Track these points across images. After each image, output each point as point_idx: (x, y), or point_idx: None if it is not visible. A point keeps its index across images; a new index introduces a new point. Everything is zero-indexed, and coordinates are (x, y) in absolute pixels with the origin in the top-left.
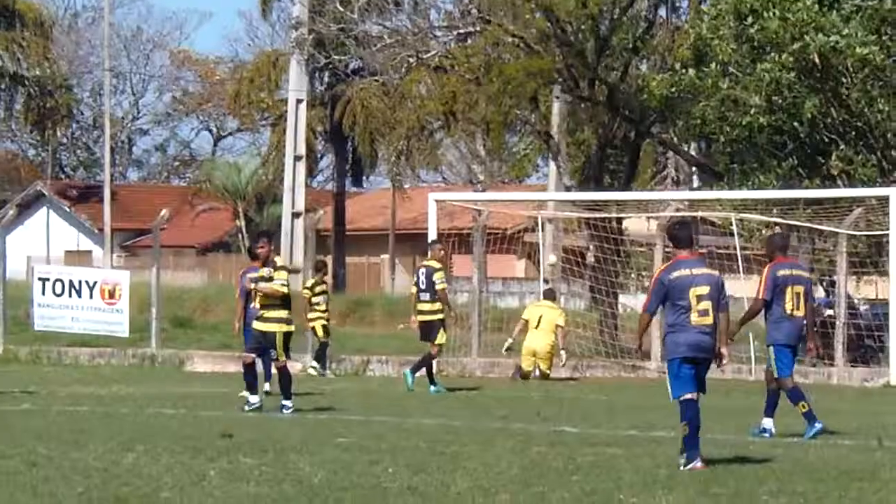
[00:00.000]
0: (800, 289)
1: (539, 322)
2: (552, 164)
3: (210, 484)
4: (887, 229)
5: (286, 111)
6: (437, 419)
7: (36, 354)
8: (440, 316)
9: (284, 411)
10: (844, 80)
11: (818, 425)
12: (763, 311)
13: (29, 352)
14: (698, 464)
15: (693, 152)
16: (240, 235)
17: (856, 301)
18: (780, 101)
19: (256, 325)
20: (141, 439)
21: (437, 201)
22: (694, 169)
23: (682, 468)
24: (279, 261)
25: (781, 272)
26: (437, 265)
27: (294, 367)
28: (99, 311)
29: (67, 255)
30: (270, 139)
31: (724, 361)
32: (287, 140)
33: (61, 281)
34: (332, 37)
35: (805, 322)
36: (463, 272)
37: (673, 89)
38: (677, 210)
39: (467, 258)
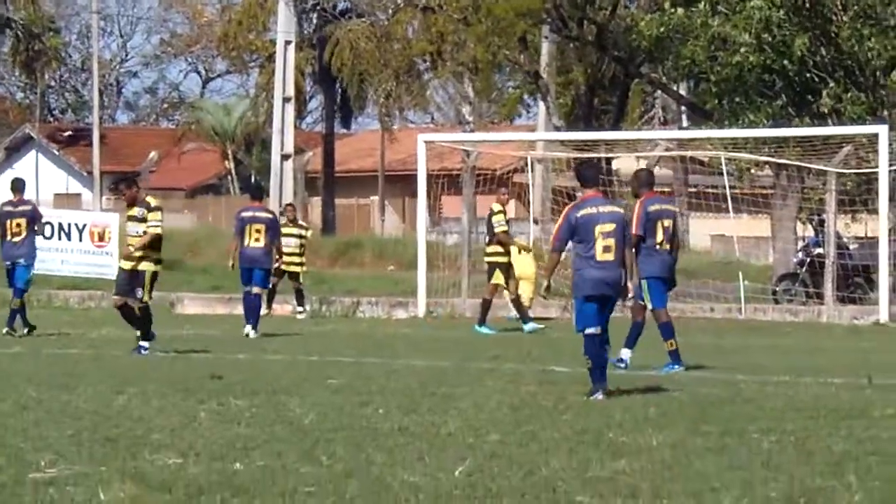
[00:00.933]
0: (668, 223)
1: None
2: (541, 105)
3: (201, 425)
4: (877, 167)
5: (275, 53)
6: (428, 360)
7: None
8: (495, 258)
9: (142, 352)
10: (834, 17)
11: (679, 367)
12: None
13: None
14: (600, 395)
15: (682, 92)
16: (229, 177)
17: (845, 240)
18: (769, 39)
19: (124, 264)
20: (131, 381)
21: (426, 142)
22: (683, 108)
23: (585, 398)
24: (153, 201)
25: (652, 207)
26: (497, 208)
27: (285, 309)
28: (88, 253)
29: (57, 197)
30: (259, 81)
31: (630, 296)
32: (275, 82)
33: (51, 224)
34: None
35: (675, 255)
36: (452, 213)
37: (662, 29)
38: (667, 149)
39: (457, 199)
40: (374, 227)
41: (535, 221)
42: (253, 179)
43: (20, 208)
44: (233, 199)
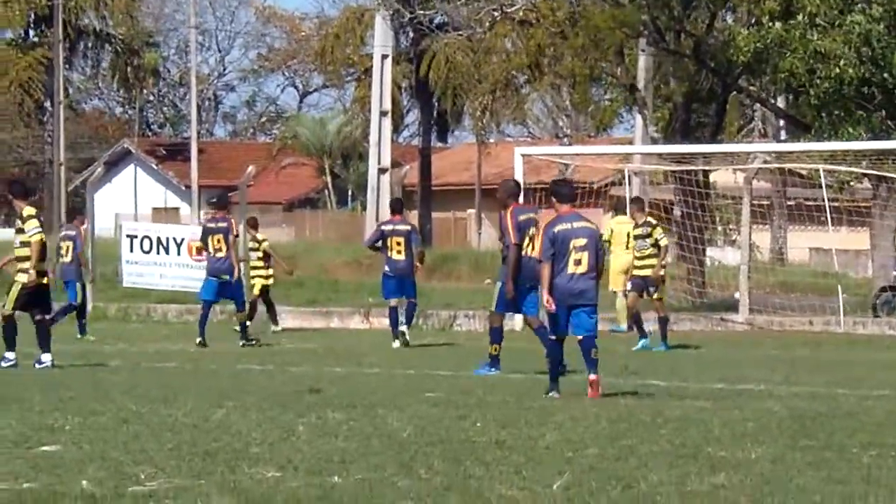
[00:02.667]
0: (533, 230)
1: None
2: (638, 118)
3: (299, 439)
4: None
5: (371, 67)
6: (525, 374)
7: (125, 311)
8: (643, 272)
9: (37, 366)
10: None
11: (494, 370)
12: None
13: (118, 309)
14: (556, 394)
15: (781, 104)
16: (326, 192)
17: None
18: (868, 52)
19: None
20: (230, 395)
21: (523, 155)
22: (781, 121)
23: (544, 395)
24: (27, 211)
25: (522, 217)
26: (653, 221)
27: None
28: (186, 267)
29: (155, 212)
30: (355, 95)
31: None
32: (372, 96)
33: (149, 238)
34: None
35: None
36: None
37: (760, 43)
38: (765, 162)
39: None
40: (470, 241)
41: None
42: (390, 193)
43: (220, 224)
44: (329, 213)
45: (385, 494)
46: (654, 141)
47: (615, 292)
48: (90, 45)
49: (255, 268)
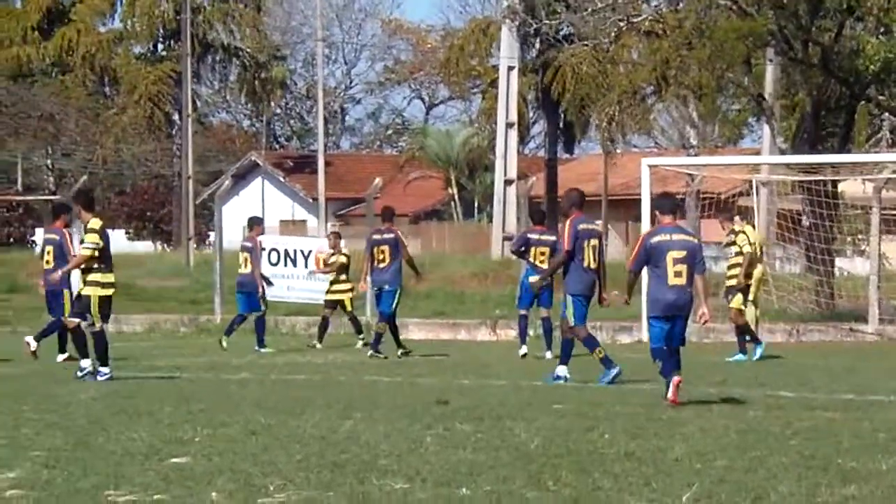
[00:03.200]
0: (595, 242)
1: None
2: (766, 128)
3: (427, 451)
4: None
5: (497, 78)
6: (654, 385)
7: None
8: (730, 282)
9: (99, 377)
10: None
11: (614, 370)
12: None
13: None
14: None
15: None
16: (452, 203)
17: None
18: None
19: (81, 288)
20: (358, 407)
21: (649, 166)
22: None
23: (663, 399)
24: (92, 223)
25: (581, 226)
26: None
27: (509, 334)
28: (314, 279)
29: (282, 224)
30: (481, 106)
31: (705, 318)
32: (498, 107)
33: (276, 250)
34: (543, 3)
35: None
36: None
37: (889, 52)
38: (894, 172)
39: (682, 223)
40: None
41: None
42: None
43: (385, 236)
44: (456, 224)
45: None
46: (782, 151)
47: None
48: (218, 58)
49: (336, 281)
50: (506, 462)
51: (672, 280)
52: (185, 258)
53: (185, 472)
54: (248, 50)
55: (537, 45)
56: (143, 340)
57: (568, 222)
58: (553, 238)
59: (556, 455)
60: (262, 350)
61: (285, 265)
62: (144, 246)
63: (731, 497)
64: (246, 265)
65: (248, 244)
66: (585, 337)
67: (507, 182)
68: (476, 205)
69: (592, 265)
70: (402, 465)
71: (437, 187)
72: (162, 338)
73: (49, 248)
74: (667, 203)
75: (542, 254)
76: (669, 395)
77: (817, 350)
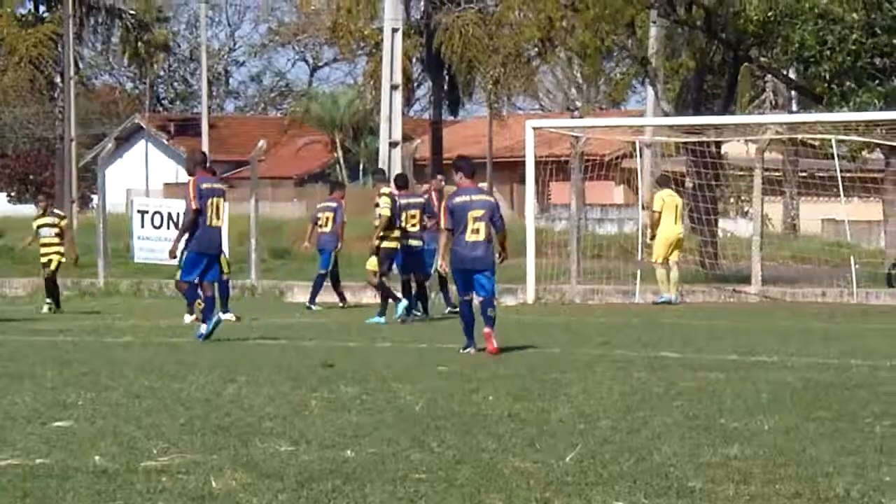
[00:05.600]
0: (218, 201)
1: (677, 212)
2: (650, 90)
3: (312, 413)
4: None
5: (382, 40)
6: (537, 347)
7: (137, 287)
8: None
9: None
10: None
11: (212, 323)
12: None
13: (130, 284)
14: (472, 350)
15: (792, 75)
16: (337, 166)
17: None
18: (879, 19)
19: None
20: (242, 370)
21: (534, 129)
22: (793, 92)
23: (459, 352)
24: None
25: (205, 185)
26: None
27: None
28: None
29: (166, 187)
30: (366, 69)
31: (503, 257)
32: (383, 69)
33: (160, 213)
34: None
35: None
36: (561, 199)
37: (770, 13)
38: (776, 133)
39: (565, 185)
40: None
41: (644, 207)
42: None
43: (412, 200)
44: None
45: (398, 468)
46: (666, 113)
47: (658, 262)
48: (101, 20)
49: (50, 244)
50: (390, 424)
51: (469, 237)
52: (68, 221)
53: (67, 436)
54: (132, 11)
55: (423, 7)
56: (27, 304)
57: (191, 183)
58: (421, 200)
59: (440, 417)
60: (314, 308)
61: (168, 228)
62: (27, 209)
63: (614, 457)
64: (327, 223)
65: (333, 203)
66: (188, 288)
67: (392, 144)
68: (361, 167)
69: (217, 222)
70: (287, 427)
71: (322, 150)
72: (44, 301)
73: None
74: (466, 165)
75: (413, 217)
76: (471, 351)
77: (701, 311)
